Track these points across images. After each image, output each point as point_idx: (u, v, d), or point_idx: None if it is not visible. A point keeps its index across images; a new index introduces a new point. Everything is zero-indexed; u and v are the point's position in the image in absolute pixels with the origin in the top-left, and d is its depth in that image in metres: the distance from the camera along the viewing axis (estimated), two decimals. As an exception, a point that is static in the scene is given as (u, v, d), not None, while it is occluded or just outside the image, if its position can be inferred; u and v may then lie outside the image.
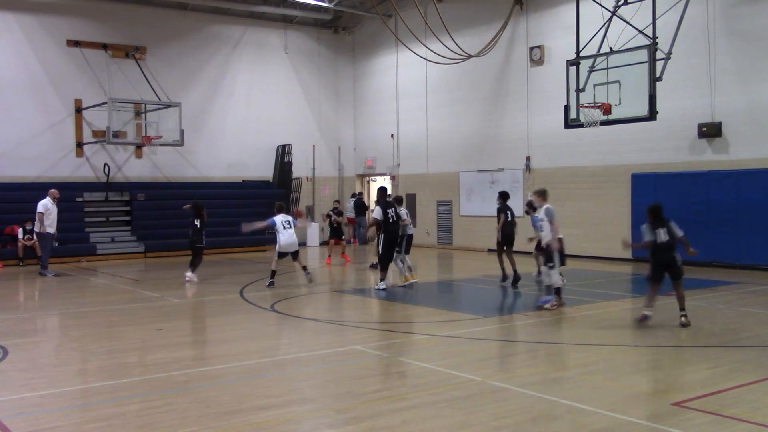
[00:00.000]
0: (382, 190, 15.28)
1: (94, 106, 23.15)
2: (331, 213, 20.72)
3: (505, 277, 14.96)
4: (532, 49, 22.33)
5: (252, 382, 7.66)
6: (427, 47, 23.12)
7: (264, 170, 27.52)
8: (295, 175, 27.65)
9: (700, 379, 7.59)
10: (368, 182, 30.31)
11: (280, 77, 28.10)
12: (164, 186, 24.99)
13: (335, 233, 20.57)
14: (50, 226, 18.07)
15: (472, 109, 24.50)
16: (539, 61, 22.13)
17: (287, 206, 21.18)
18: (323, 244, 26.33)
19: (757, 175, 17.12)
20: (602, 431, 5.96)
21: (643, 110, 14.82)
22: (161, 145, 23.02)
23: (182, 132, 22.71)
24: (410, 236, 15.69)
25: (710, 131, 17.91)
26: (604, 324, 10.90)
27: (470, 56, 22.64)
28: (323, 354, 9.03)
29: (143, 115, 23.36)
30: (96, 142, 23.80)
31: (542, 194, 12.37)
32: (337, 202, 22.87)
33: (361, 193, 28.95)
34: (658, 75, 14.83)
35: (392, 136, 27.81)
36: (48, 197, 18.11)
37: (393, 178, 27.90)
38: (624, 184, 19.83)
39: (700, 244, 17.85)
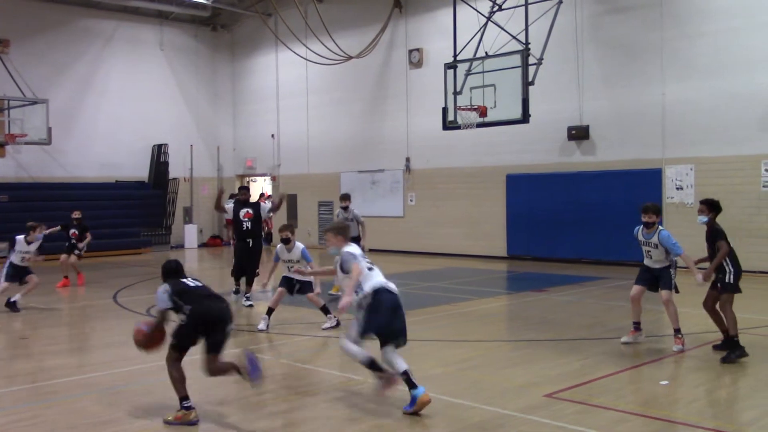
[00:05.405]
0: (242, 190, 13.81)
1: (-50, 101, 21.68)
2: (73, 223, 16.35)
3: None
4: (411, 51, 22.68)
5: (125, 390, 7.37)
6: (307, 47, 23.03)
7: (139, 170, 26.60)
8: (171, 175, 26.88)
9: (571, 370, 7.93)
10: (248, 182, 29.87)
11: (155, 75, 27.23)
12: (30, 186, 23.72)
13: (71, 248, 16.20)
14: None
15: (353, 110, 24.61)
16: (418, 64, 22.50)
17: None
18: (175, 248, 25.61)
19: (620, 176, 18.10)
20: (479, 425, 6.13)
21: (517, 113, 15.29)
22: (26, 143, 21.80)
23: (50, 130, 21.63)
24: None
25: (579, 134, 18.79)
26: (481, 320, 11.22)
27: (350, 57, 22.74)
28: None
29: (6, 111, 22.06)
30: (-48, 140, 22.29)
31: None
32: (77, 211, 16.72)
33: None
34: (530, 79, 15.34)
35: (273, 136, 27.53)
36: None
37: (274, 178, 27.63)
38: (500, 184, 20.45)
39: (570, 241, 18.93)
